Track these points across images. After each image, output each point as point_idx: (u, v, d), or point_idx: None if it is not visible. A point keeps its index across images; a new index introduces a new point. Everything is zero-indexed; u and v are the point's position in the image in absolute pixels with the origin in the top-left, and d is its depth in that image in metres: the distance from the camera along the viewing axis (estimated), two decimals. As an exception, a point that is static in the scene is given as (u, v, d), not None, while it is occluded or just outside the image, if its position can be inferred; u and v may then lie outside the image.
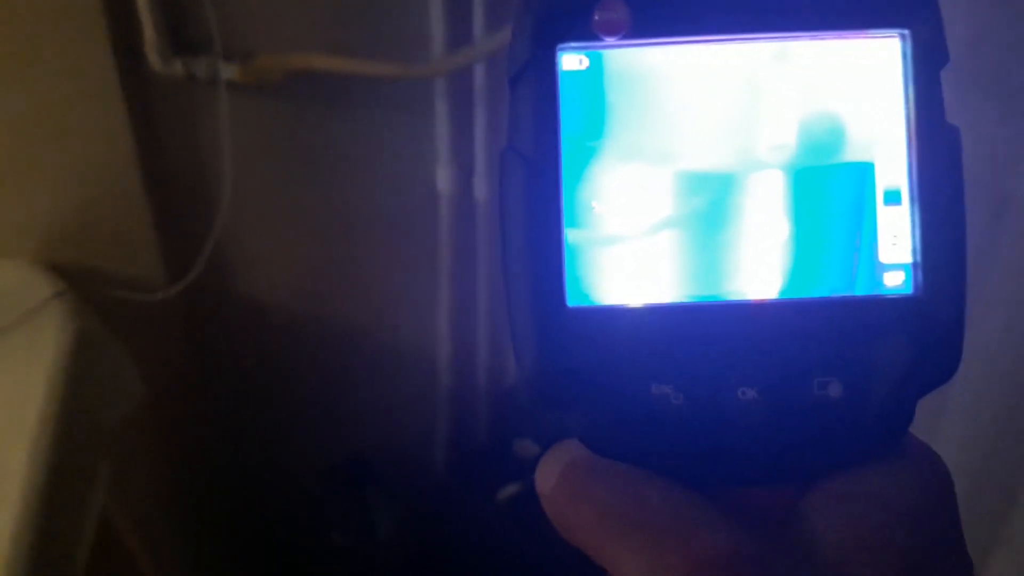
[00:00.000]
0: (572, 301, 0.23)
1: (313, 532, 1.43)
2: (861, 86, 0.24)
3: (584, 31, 0.23)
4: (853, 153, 0.24)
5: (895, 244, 0.24)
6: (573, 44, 0.23)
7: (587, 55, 0.24)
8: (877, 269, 0.24)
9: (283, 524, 1.49)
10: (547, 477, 0.24)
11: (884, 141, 0.24)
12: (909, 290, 0.24)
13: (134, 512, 1.14)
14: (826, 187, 0.24)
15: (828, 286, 0.24)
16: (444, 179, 1.25)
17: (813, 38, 0.24)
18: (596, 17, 0.23)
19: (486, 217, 1.29)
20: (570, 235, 0.23)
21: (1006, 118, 0.70)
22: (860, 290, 0.24)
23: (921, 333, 0.23)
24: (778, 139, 0.24)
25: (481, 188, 1.26)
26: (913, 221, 0.24)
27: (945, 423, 0.78)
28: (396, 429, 1.49)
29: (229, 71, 1.06)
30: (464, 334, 1.41)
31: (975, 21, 0.69)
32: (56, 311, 0.98)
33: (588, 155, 0.24)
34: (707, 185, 0.24)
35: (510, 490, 1.37)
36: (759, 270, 0.24)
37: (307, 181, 1.22)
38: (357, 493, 1.40)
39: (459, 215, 1.29)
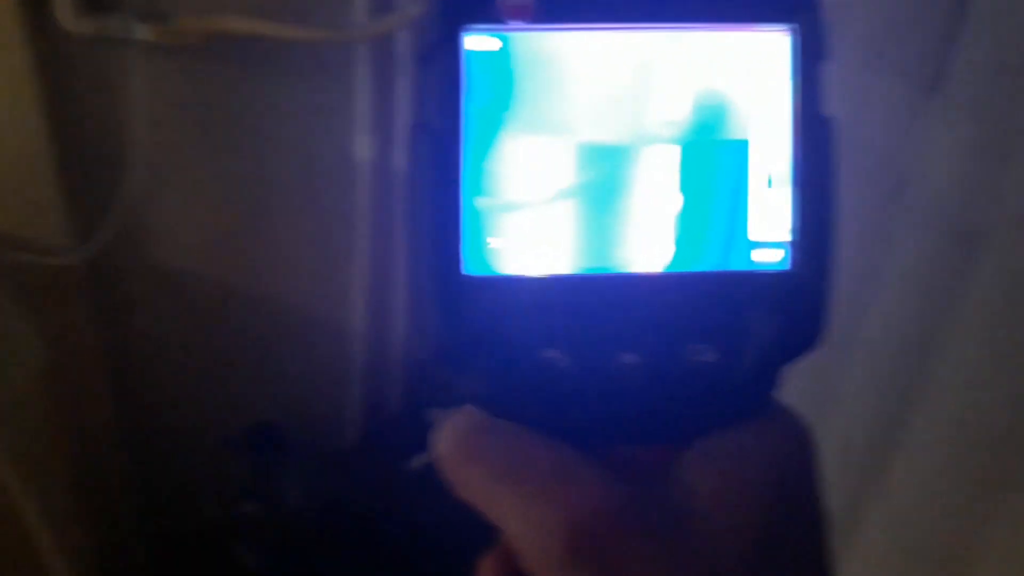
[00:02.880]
0: (468, 269, 0.25)
1: (221, 501, 1.42)
2: (748, 76, 0.25)
3: (490, 14, 0.24)
4: (736, 133, 0.26)
5: (771, 224, 0.26)
6: (478, 26, 0.25)
7: (491, 36, 0.25)
8: (752, 246, 0.26)
9: (191, 492, 1.47)
10: (440, 438, 0.25)
11: (767, 128, 0.26)
12: (782, 266, 0.25)
13: (33, 481, 1.11)
14: (710, 163, 0.25)
15: (708, 261, 0.25)
16: (363, 147, 1.24)
17: (707, 29, 0.25)
18: (499, 1, 0.24)
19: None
20: (468, 206, 0.25)
21: (922, 105, 0.73)
22: (736, 265, 0.25)
23: (790, 306, 0.25)
24: (670, 115, 0.25)
25: (401, 158, 1.26)
26: (792, 203, 0.26)
27: (842, 394, 0.83)
28: (308, 397, 1.48)
29: (143, 31, 1.03)
30: (380, 304, 1.41)
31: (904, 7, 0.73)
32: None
33: (490, 129, 0.25)
34: (602, 157, 0.25)
35: (422, 459, 1.38)
36: (645, 244, 0.25)
37: (223, 146, 1.19)
38: (266, 460, 1.39)
39: (378, 184, 1.28)
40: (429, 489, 1.38)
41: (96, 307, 1.23)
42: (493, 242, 0.25)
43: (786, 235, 0.26)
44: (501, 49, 0.25)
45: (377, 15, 1.13)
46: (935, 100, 0.75)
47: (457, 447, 0.25)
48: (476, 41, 0.25)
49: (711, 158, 0.25)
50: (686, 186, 0.25)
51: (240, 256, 1.30)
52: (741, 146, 0.26)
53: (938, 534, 0.78)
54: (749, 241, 0.26)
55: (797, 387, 0.26)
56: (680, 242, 0.25)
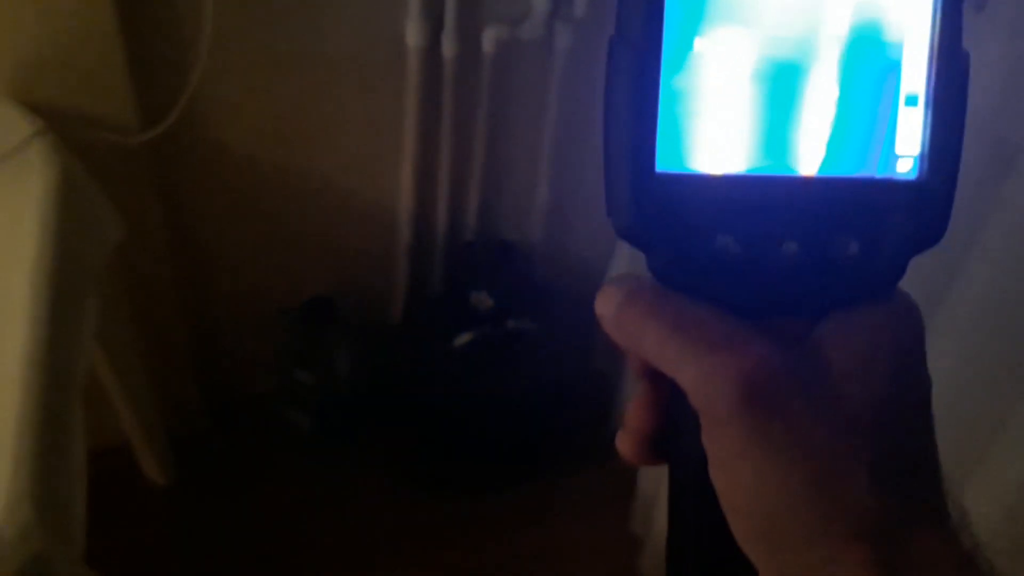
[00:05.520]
0: (661, 167, 0.29)
1: (277, 369, 1.51)
2: (900, 9, 0.30)
3: None
4: (889, 81, 0.30)
5: (908, 138, 0.30)
6: None
7: None
8: (893, 157, 0.30)
9: (249, 361, 1.56)
10: (610, 299, 0.30)
11: (912, 54, 0.30)
12: (914, 175, 0.30)
13: (110, 350, 1.19)
14: (869, 75, 0.30)
15: (857, 166, 0.30)
16: (414, 33, 1.27)
17: None
18: None
19: (452, 74, 1.32)
20: (665, 112, 0.29)
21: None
22: (879, 171, 0.30)
23: (919, 209, 0.30)
24: (838, 28, 0.29)
25: (449, 45, 1.29)
26: (924, 122, 0.30)
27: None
28: (357, 275, 1.55)
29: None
30: (425, 188, 1.46)
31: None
32: (38, 149, 1.00)
33: (685, 42, 0.29)
34: (780, 65, 0.29)
35: (464, 338, 1.45)
36: (806, 149, 0.30)
37: (280, 29, 1.23)
38: (319, 332, 1.47)
39: (427, 71, 1.32)
40: (469, 367, 1.46)
41: (161, 185, 1.29)
42: (682, 145, 0.29)
43: (918, 149, 0.30)
44: None
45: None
46: (980, 19, 0.78)
47: (631, 306, 0.29)
48: None
49: (870, 69, 0.30)
50: (845, 94, 0.30)
51: (296, 137, 1.35)
52: (895, 64, 0.30)
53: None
54: (892, 153, 0.30)
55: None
56: (834, 149, 0.30)
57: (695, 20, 0.29)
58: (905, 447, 0.28)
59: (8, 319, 0.83)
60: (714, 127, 0.29)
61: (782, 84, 0.30)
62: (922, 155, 0.30)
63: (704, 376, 0.27)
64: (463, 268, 1.55)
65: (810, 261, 0.29)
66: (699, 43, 0.29)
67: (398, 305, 1.60)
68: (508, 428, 1.54)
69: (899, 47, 0.30)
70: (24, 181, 0.96)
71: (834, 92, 0.30)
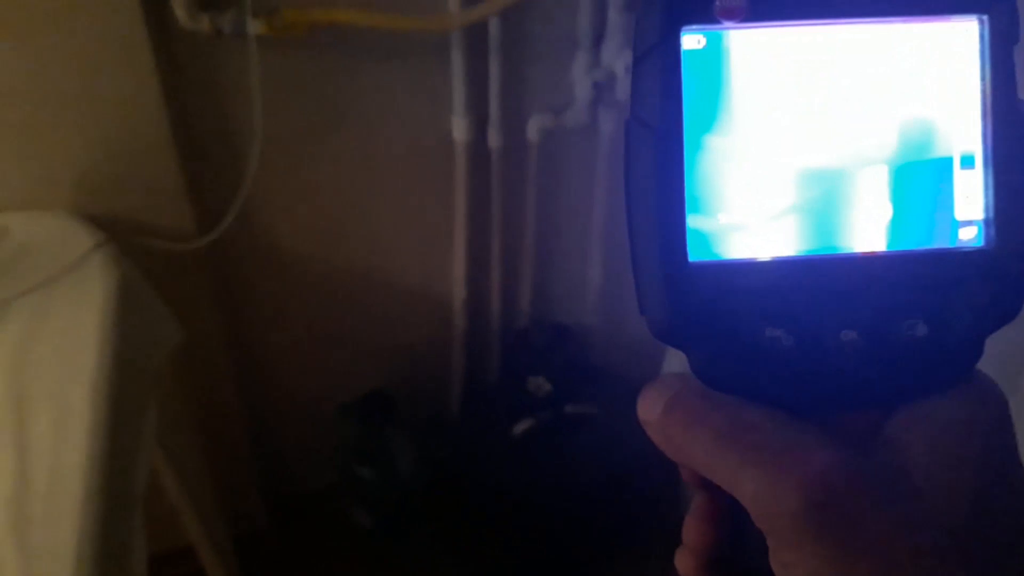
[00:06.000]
0: (694, 257, 0.27)
1: (337, 466, 1.50)
2: (945, 63, 0.27)
3: (706, 15, 0.26)
4: (940, 144, 0.28)
5: (969, 203, 0.27)
6: (695, 27, 0.27)
7: (707, 36, 0.27)
8: (955, 225, 0.28)
9: (309, 459, 1.55)
10: (653, 405, 0.27)
11: (962, 112, 0.27)
12: (980, 243, 0.27)
13: (171, 453, 1.19)
14: (918, 174, 0.28)
15: (916, 240, 0.27)
16: (460, 128, 1.29)
17: (905, 22, 0.27)
18: (717, 3, 0.26)
19: (500, 165, 1.33)
20: (691, 197, 0.27)
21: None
22: (941, 243, 0.27)
23: (990, 280, 0.27)
24: (878, 134, 0.27)
25: (495, 137, 1.30)
26: (985, 183, 0.27)
27: None
28: (413, 368, 1.55)
29: (255, 25, 1.09)
30: (478, 277, 1.46)
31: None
32: (98, 260, 1.02)
33: (707, 123, 0.27)
34: (819, 132, 0.27)
35: (524, 425, 1.43)
36: (858, 226, 0.27)
37: (329, 131, 1.26)
38: (378, 427, 1.46)
39: (474, 163, 1.33)
40: (530, 454, 1.44)
41: (218, 286, 1.31)
42: (715, 230, 0.27)
43: (982, 214, 0.27)
44: (716, 46, 0.27)
45: (470, 3, 1.17)
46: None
47: (677, 412, 0.27)
48: (693, 40, 0.27)
49: (919, 132, 0.27)
50: (894, 163, 0.27)
51: (348, 234, 1.37)
52: (945, 114, 0.27)
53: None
54: (953, 220, 0.27)
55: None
56: (891, 224, 0.27)
57: (717, 93, 0.27)
58: (1006, 554, 0.25)
59: (69, 431, 0.83)
60: (751, 210, 0.27)
61: (823, 160, 0.27)
62: (987, 220, 0.27)
63: (764, 491, 0.24)
64: (519, 354, 1.54)
65: (873, 348, 0.26)
66: (724, 118, 0.27)
67: (456, 395, 1.59)
68: (572, 515, 1.50)
69: (948, 106, 0.27)
70: (84, 293, 0.98)
71: (882, 161, 0.27)
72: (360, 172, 1.31)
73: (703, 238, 0.27)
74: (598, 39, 1.27)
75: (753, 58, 0.27)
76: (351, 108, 1.25)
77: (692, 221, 0.27)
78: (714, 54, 0.27)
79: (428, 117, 1.29)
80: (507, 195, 1.38)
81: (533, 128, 1.31)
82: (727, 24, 0.27)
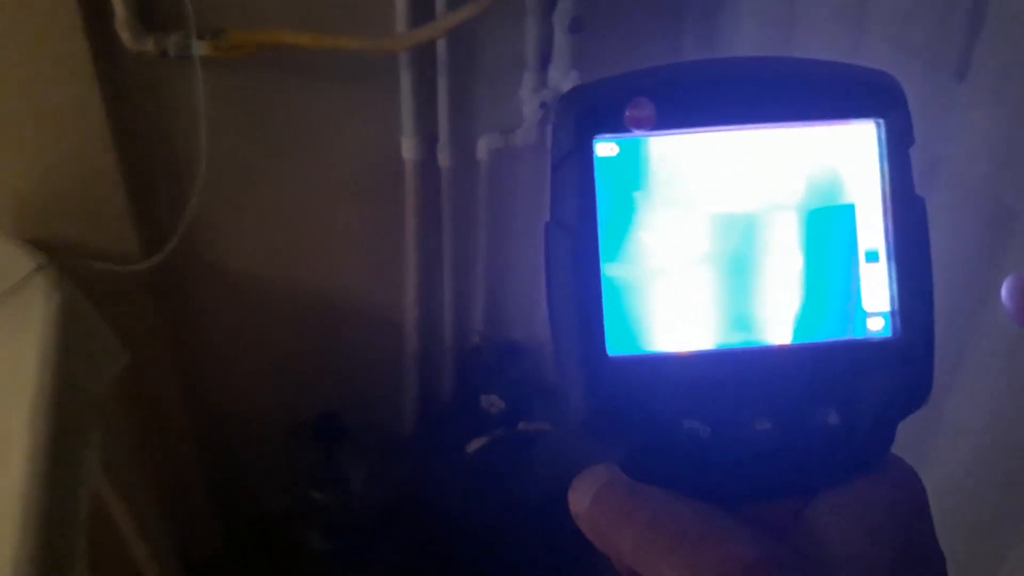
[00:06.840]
0: (612, 351, 0.27)
1: (289, 489, 1.48)
2: (845, 164, 0.29)
3: (617, 124, 0.28)
4: (844, 199, 0.29)
5: (875, 295, 0.29)
6: (608, 135, 0.28)
7: (619, 143, 0.28)
8: (863, 316, 0.29)
9: (260, 482, 1.54)
10: (582, 497, 0.28)
11: (864, 209, 0.29)
12: (888, 333, 0.28)
13: (116, 477, 1.18)
14: (826, 231, 0.29)
15: (826, 332, 0.28)
16: (409, 148, 1.29)
17: (807, 126, 0.28)
18: (627, 114, 0.28)
19: (450, 184, 1.34)
20: (608, 295, 0.28)
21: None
22: (850, 334, 0.28)
23: (899, 368, 0.28)
24: (786, 232, 0.28)
25: (444, 157, 1.31)
26: (889, 276, 0.28)
27: (939, 441, 0.85)
28: (366, 388, 1.54)
29: (201, 47, 1.09)
30: (429, 296, 1.46)
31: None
32: (39, 284, 1.01)
33: (622, 223, 0.28)
34: (727, 230, 0.28)
35: (478, 443, 1.43)
36: (770, 319, 0.28)
37: (277, 152, 1.25)
38: (330, 449, 1.45)
39: (424, 183, 1.33)
40: (484, 472, 1.44)
41: (164, 308, 1.30)
42: (633, 328, 0.28)
43: (888, 305, 0.28)
44: (628, 153, 0.28)
45: (417, 24, 1.17)
46: (963, 88, 0.78)
47: (602, 505, 0.27)
48: (606, 147, 0.28)
49: (825, 230, 0.29)
50: (802, 259, 0.28)
51: (297, 254, 1.36)
52: (849, 211, 0.29)
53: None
54: (861, 311, 0.29)
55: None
56: (802, 316, 0.28)
57: (630, 195, 0.28)
58: None
59: (8, 455, 0.82)
60: (666, 305, 0.28)
61: (734, 255, 0.28)
62: (893, 311, 0.28)
63: None
64: (472, 372, 1.54)
65: (788, 437, 0.27)
66: (637, 219, 0.28)
67: (409, 415, 1.58)
68: (527, 533, 1.50)
69: (851, 203, 0.29)
70: (24, 317, 0.97)
71: (790, 256, 0.29)
72: (309, 193, 1.31)
73: (621, 333, 0.28)
74: (545, 60, 1.28)
75: (663, 163, 0.28)
76: (299, 129, 1.25)
77: (609, 317, 0.28)
78: (626, 160, 0.28)
79: (377, 137, 1.29)
80: (458, 214, 1.39)
81: (482, 148, 1.32)
82: (637, 132, 0.28)
